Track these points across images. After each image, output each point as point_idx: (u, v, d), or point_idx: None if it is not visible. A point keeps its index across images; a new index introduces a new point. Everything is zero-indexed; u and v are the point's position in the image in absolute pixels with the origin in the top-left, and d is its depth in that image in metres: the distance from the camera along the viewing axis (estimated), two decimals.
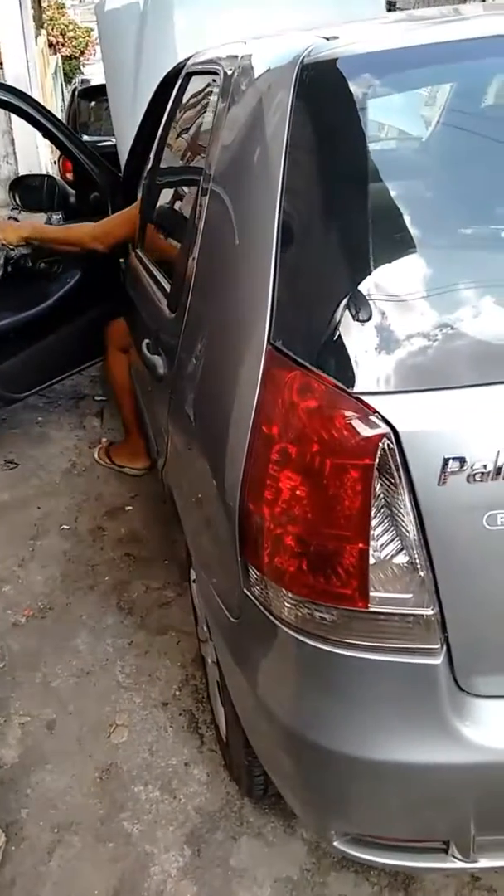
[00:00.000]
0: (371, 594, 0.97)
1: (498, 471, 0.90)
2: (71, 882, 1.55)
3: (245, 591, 1.13)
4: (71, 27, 16.85)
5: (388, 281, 1.02)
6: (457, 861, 1.15)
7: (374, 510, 0.95)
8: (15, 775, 1.77)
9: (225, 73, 1.52)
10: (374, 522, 0.95)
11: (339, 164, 1.11)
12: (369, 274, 1.02)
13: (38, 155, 8.10)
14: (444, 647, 0.98)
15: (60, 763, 1.80)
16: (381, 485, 0.94)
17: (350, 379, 0.96)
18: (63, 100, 12.51)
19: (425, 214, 1.11)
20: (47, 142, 3.36)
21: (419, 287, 1.02)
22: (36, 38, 9.97)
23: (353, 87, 1.11)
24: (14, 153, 7.99)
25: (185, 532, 1.60)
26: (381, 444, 0.92)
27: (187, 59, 2.04)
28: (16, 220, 3.23)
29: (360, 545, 0.95)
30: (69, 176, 4.02)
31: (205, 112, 1.67)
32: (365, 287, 1.01)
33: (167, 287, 1.74)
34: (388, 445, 0.92)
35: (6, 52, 7.62)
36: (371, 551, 0.96)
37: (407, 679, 1.00)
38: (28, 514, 2.77)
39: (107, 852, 1.60)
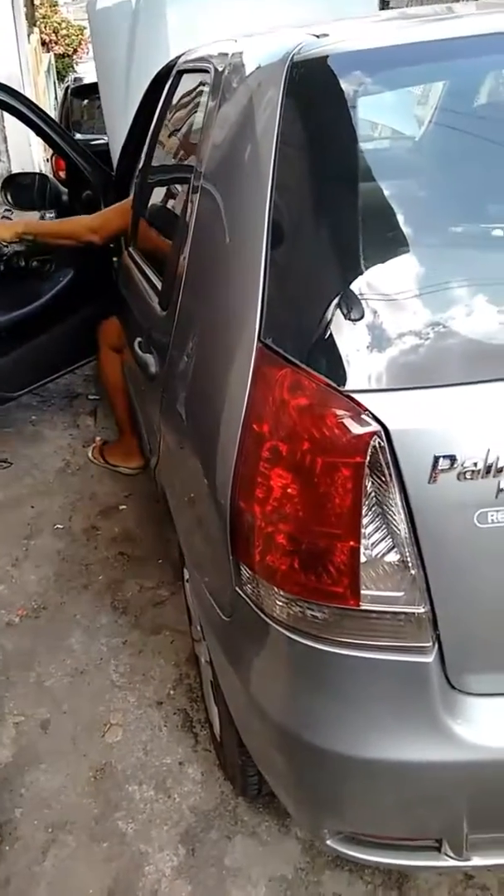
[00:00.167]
0: (362, 592, 0.97)
1: (488, 469, 0.90)
2: (65, 882, 1.55)
3: (237, 589, 1.12)
4: (64, 25, 16.81)
5: (378, 279, 1.02)
6: (450, 859, 1.15)
7: (365, 508, 0.95)
8: (9, 775, 1.76)
9: (215, 70, 1.51)
10: (365, 521, 0.95)
11: (329, 162, 1.10)
12: (360, 272, 1.02)
13: (30, 153, 8.08)
14: (436, 645, 0.98)
15: (55, 762, 1.79)
16: (372, 483, 0.94)
17: (341, 377, 0.96)
18: (56, 98, 12.48)
19: (415, 212, 1.10)
20: (40, 140, 3.35)
21: (409, 285, 1.02)
22: (28, 36, 9.94)
23: (342, 85, 1.11)
24: (7, 151, 7.97)
25: (177, 531, 1.60)
26: (371, 442, 0.92)
27: (178, 57, 2.03)
28: (8, 219, 3.23)
29: (352, 543, 0.95)
30: (62, 174, 4.01)
31: (196, 110, 1.66)
32: (355, 285, 1.01)
33: (158, 285, 1.74)
34: (379, 443, 0.92)
35: None
36: (362, 549, 0.96)
37: (399, 677, 1.00)
38: (22, 514, 2.76)
39: (101, 852, 1.60)
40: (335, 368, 0.97)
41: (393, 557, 0.96)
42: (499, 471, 0.90)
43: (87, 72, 7.82)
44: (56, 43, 16.41)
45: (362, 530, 0.95)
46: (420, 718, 1.00)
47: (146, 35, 3.39)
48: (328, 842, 1.21)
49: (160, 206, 2.02)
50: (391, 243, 1.06)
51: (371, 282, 1.01)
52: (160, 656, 2.09)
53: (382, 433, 0.92)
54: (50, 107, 11.62)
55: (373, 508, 0.95)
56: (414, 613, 0.97)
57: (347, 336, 0.98)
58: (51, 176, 3.74)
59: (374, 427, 0.92)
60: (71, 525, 2.69)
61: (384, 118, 1.27)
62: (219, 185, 1.33)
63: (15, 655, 2.11)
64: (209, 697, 1.70)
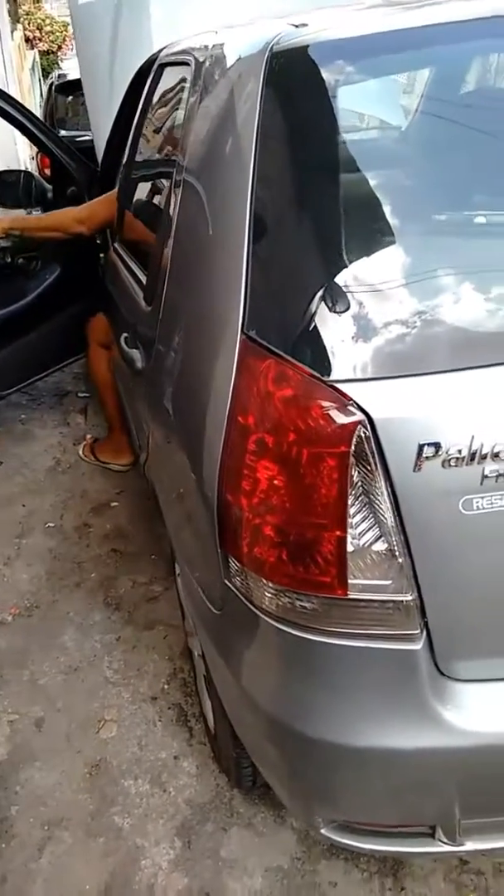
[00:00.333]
0: (350, 582, 0.97)
1: (472, 455, 0.90)
2: (62, 878, 1.55)
3: (226, 582, 1.13)
4: (48, 21, 16.69)
5: (360, 269, 1.02)
6: (443, 845, 1.16)
7: (351, 498, 0.95)
8: (4, 773, 1.76)
9: (196, 63, 1.51)
10: (351, 510, 0.95)
11: (310, 152, 1.10)
12: (342, 262, 1.02)
13: (16, 151, 8.04)
14: (424, 633, 0.99)
15: (49, 760, 1.79)
16: (358, 472, 0.94)
17: (324, 367, 0.96)
18: (41, 95, 12.40)
19: (397, 202, 1.10)
20: (27, 139, 3.33)
21: (391, 275, 1.02)
22: (12, 32, 9.87)
23: (322, 74, 1.11)
24: None
25: (167, 526, 1.60)
26: (356, 432, 0.92)
27: (160, 51, 2.02)
28: None
29: (338, 533, 0.96)
30: (47, 172, 3.99)
31: (178, 103, 1.66)
32: (338, 276, 1.01)
33: (143, 279, 1.73)
34: (364, 433, 0.92)
35: None
36: (349, 539, 0.96)
37: (388, 665, 1.01)
38: (13, 513, 2.75)
39: (97, 847, 1.61)
40: (319, 359, 0.97)
41: (380, 546, 0.96)
42: (483, 457, 0.90)
43: (71, 68, 7.76)
44: (40, 40, 16.30)
45: (349, 520, 0.95)
46: (410, 706, 1.01)
47: (129, 29, 3.36)
48: (322, 831, 1.21)
49: (144, 200, 2.02)
50: (372, 233, 1.05)
51: (353, 272, 1.01)
52: (154, 651, 2.09)
53: (367, 422, 0.92)
54: (35, 104, 11.55)
55: (359, 498, 0.95)
56: (402, 601, 0.97)
57: (330, 326, 0.98)
58: (36, 173, 3.72)
59: (359, 416, 0.92)
60: (62, 523, 2.69)
61: (364, 107, 1.27)
62: (201, 178, 1.32)
63: (8, 654, 2.11)
64: (203, 691, 1.70)
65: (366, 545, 0.97)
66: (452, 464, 0.90)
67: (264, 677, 1.12)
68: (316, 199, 1.08)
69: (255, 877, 1.52)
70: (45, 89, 10.54)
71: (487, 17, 1.16)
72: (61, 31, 16.53)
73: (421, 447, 0.91)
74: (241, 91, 1.20)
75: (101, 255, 2.77)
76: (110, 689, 1.98)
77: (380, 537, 0.96)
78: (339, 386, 0.94)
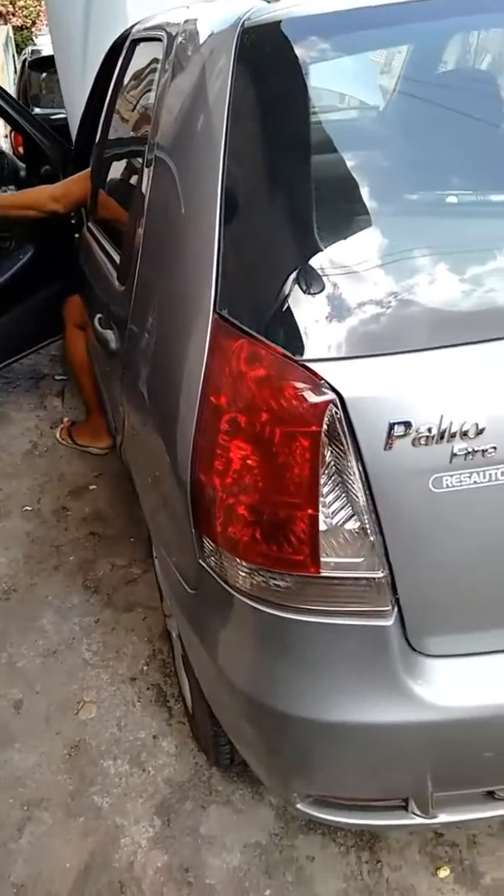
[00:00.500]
0: (323, 560, 0.98)
1: (442, 434, 0.90)
2: (42, 857, 1.57)
3: (201, 562, 1.13)
4: None
5: (332, 249, 1.02)
6: (417, 818, 1.18)
7: (324, 477, 0.95)
8: None
9: (168, 39, 1.49)
10: (324, 490, 0.96)
11: (282, 130, 1.09)
12: (314, 242, 1.01)
13: None
14: (396, 609, 1.00)
15: (28, 741, 1.80)
16: (330, 451, 0.94)
17: (296, 346, 0.96)
18: (15, 72, 12.14)
19: (369, 181, 1.10)
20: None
21: (363, 255, 1.02)
22: None
23: (294, 50, 1.10)
24: None
25: (143, 508, 1.60)
26: (327, 411, 0.92)
27: (133, 26, 1.99)
28: None
29: (311, 512, 0.96)
30: (21, 150, 3.91)
31: (150, 80, 1.63)
32: (309, 255, 1.00)
33: (117, 259, 1.72)
34: (335, 412, 0.92)
35: None
36: (321, 517, 0.96)
37: (360, 641, 1.02)
38: None
39: (77, 827, 1.62)
40: (291, 338, 0.97)
41: (352, 525, 0.97)
42: (452, 436, 0.91)
43: (46, 44, 7.57)
44: (13, 15, 15.94)
45: (321, 499, 0.96)
46: (382, 681, 1.02)
47: (103, 4, 3.30)
48: (298, 805, 1.23)
49: (117, 178, 1.99)
50: (344, 213, 1.05)
51: (325, 252, 1.01)
52: (133, 633, 2.10)
53: (338, 402, 0.92)
54: (9, 82, 11.30)
55: (332, 477, 0.96)
56: (374, 578, 0.98)
57: (302, 306, 0.98)
58: (9, 152, 3.65)
59: (330, 396, 0.92)
60: (40, 507, 2.68)
61: (336, 83, 1.26)
62: (173, 156, 1.31)
63: None
64: (181, 671, 1.71)
65: (338, 524, 0.97)
66: (422, 442, 0.91)
67: (239, 656, 1.13)
68: (288, 177, 1.07)
69: (234, 853, 1.54)
70: (18, 66, 10.31)
71: None
72: (35, 6, 16.16)
73: (391, 426, 0.91)
74: (213, 67, 1.18)
75: (76, 234, 2.73)
76: (89, 671, 1.98)
77: (352, 516, 0.97)
78: (310, 365, 0.94)
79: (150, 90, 1.59)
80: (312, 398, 0.92)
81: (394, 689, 1.02)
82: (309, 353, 0.95)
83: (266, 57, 1.14)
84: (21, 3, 16.09)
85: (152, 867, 1.53)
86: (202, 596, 1.18)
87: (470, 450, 0.91)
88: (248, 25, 1.13)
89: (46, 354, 3.72)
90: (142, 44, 1.82)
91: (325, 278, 0.99)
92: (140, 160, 1.54)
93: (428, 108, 1.23)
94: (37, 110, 5.67)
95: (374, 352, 0.94)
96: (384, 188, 1.11)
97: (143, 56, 1.78)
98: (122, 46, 2.03)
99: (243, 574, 1.05)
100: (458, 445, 0.91)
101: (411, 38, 1.26)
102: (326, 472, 0.95)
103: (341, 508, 0.97)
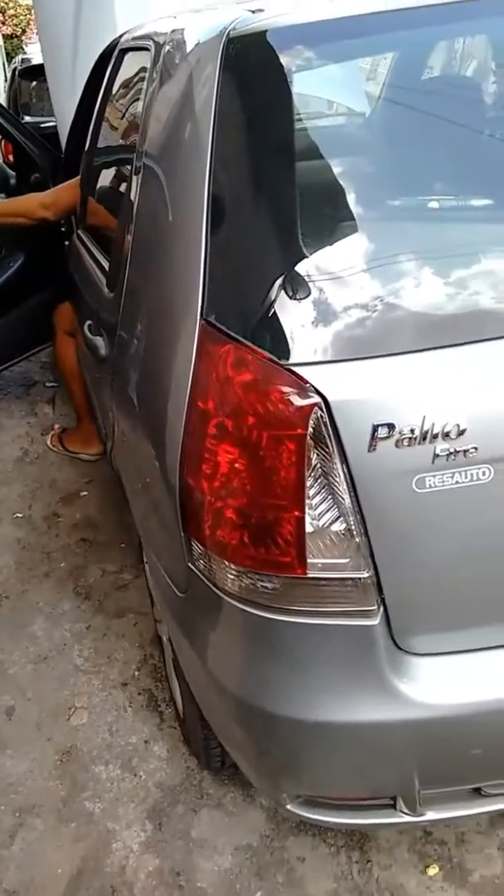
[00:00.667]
0: (309, 561, 0.99)
1: (424, 435, 0.92)
2: (34, 864, 1.57)
3: (189, 565, 1.14)
4: (11, 5, 16.37)
5: (317, 254, 1.03)
6: (405, 816, 1.19)
7: (310, 479, 0.97)
8: None
9: (156, 48, 1.51)
10: (311, 492, 0.97)
11: (267, 137, 1.11)
12: (299, 248, 1.03)
13: None
14: (381, 608, 1.01)
15: (20, 748, 1.80)
16: (316, 454, 0.96)
17: (282, 351, 0.97)
18: (5, 80, 12.16)
19: (352, 187, 1.12)
20: None
21: (347, 260, 1.03)
22: None
23: (276, 60, 1.12)
24: None
25: (133, 513, 1.61)
26: (312, 414, 0.93)
27: (121, 36, 2.01)
28: None
29: (297, 513, 0.97)
30: (11, 158, 3.93)
31: (138, 88, 1.65)
32: (295, 261, 1.02)
33: (106, 266, 1.73)
34: (320, 415, 0.94)
35: None
36: (308, 519, 0.98)
37: (347, 641, 1.03)
38: None
39: (69, 832, 1.62)
40: (276, 343, 0.98)
41: (338, 526, 0.98)
42: (434, 437, 0.92)
43: (36, 53, 7.59)
44: (3, 23, 15.99)
45: (307, 501, 0.97)
46: (368, 680, 1.04)
47: (92, 13, 3.32)
48: (288, 806, 1.24)
49: (106, 186, 2.01)
50: (329, 219, 1.07)
51: (310, 257, 1.03)
52: (124, 639, 2.10)
53: (323, 405, 0.93)
54: (0, 90, 11.33)
55: (318, 480, 0.97)
56: (359, 578, 1.00)
57: (287, 311, 0.99)
58: None
59: (315, 399, 0.93)
60: (31, 513, 2.68)
61: (318, 91, 1.28)
62: (161, 164, 1.32)
63: None
64: (172, 675, 1.72)
65: (324, 525, 0.99)
66: (405, 444, 0.92)
67: (228, 657, 1.14)
68: (273, 184, 1.09)
69: (226, 855, 1.55)
70: (8, 74, 10.34)
71: (446, 3, 1.18)
72: (25, 15, 16.22)
73: (375, 428, 0.92)
74: (199, 76, 1.20)
75: (66, 242, 2.74)
76: (80, 677, 1.98)
77: (338, 517, 0.98)
78: (296, 369, 0.95)
79: (138, 99, 1.61)
80: (298, 402, 0.94)
81: (380, 687, 1.03)
82: (294, 358, 0.96)
83: (251, 66, 1.16)
84: (11, 12, 16.15)
85: (144, 871, 1.53)
86: (191, 599, 1.19)
87: (452, 450, 0.93)
88: (234, 35, 1.15)
89: (37, 362, 3.73)
90: (130, 53, 1.83)
91: (309, 284, 1.01)
92: (128, 168, 1.55)
93: (412, 114, 1.25)
94: (27, 118, 5.69)
95: (357, 355, 0.96)
96: (367, 194, 1.13)
97: (131, 65, 1.80)
98: (111, 55, 2.05)
99: (231, 576, 1.06)
100: (441, 446, 0.93)
101: (393, 47, 1.28)
102: (312, 474, 0.97)
103: (327, 510, 0.98)
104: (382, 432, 0.92)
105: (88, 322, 1.73)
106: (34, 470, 2.94)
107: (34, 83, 6.40)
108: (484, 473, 0.95)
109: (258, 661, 1.09)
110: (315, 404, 0.93)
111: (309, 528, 0.98)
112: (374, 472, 0.95)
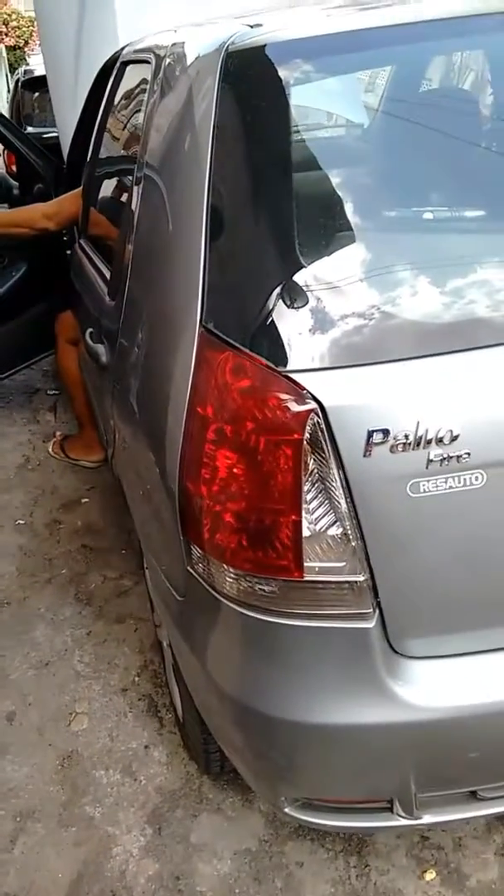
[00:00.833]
0: (306, 564, 1.01)
1: (418, 441, 0.94)
2: (34, 868, 1.57)
3: (189, 569, 1.16)
4: (14, 17, 16.53)
5: (313, 263, 1.05)
6: (402, 819, 1.20)
7: (307, 484, 0.98)
8: None
9: (157, 61, 1.53)
10: (308, 497, 0.99)
11: (264, 149, 1.13)
12: (296, 257, 1.05)
13: None
14: (377, 612, 1.03)
15: (21, 753, 1.81)
16: (312, 459, 0.97)
17: (279, 358, 0.99)
18: (8, 91, 12.26)
19: (348, 198, 1.14)
20: None
21: (343, 269, 1.05)
22: None
23: (275, 73, 1.14)
24: None
25: (133, 518, 1.62)
26: (309, 420, 0.95)
27: (123, 48, 2.04)
28: None
29: (294, 518, 0.99)
30: (14, 169, 3.97)
31: (139, 100, 1.68)
32: (291, 270, 1.04)
33: (107, 275, 1.75)
34: (317, 420, 0.95)
35: None
36: (305, 523, 0.99)
37: (343, 644, 1.04)
38: None
39: (70, 836, 1.63)
40: (274, 350, 1.00)
41: (334, 530, 1.00)
42: (428, 442, 0.94)
43: (39, 64, 7.64)
44: (6, 35, 16.14)
45: (304, 505, 0.99)
46: (364, 682, 1.05)
47: (94, 25, 3.36)
48: (286, 809, 1.25)
49: (108, 196, 2.04)
50: (325, 229, 1.09)
51: (307, 267, 1.05)
52: (124, 644, 2.11)
53: (319, 410, 0.95)
54: (2, 101, 11.42)
55: (315, 485, 0.99)
56: (355, 582, 1.01)
57: (284, 319, 1.01)
58: (2, 171, 3.70)
59: (312, 405, 0.95)
60: (32, 520, 2.69)
61: (315, 103, 1.31)
62: (161, 174, 1.35)
63: None
64: (171, 680, 1.73)
65: (321, 529, 1.00)
66: (400, 449, 0.94)
67: (227, 660, 1.15)
68: (270, 194, 1.11)
69: (224, 859, 1.55)
70: (11, 85, 10.42)
71: (441, 18, 1.20)
72: (28, 27, 16.37)
73: (370, 433, 0.94)
74: (199, 89, 1.22)
75: (69, 251, 2.77)
76: (81, 683, 1.99)
77: (334, 521, 1.00)
78: (293, 376, 0.97)
79: (139, 110, 1.64)
80: (295, 407, 0.96)
81: (376, 690, 1.05)
82: (291, 364, 0.98)
83: (249, 79, 1.18)
84: (14, 24, 16.30)
85: (144, 875, 1.54)
86: (191, 602, 1.21)
87: (445, 456, 0.94)
88: (233, 49, 1.17)
89: (39, 370, 3.75)
90: (131, 65, 1.87)
91: (306, 292, 1.03)
92: (129, 178, 1.58)
93: (408, 127, 1.27)
94: (29, 129, 5.73)
95: (353, 362, 0.98)
96: (362, 205, 1.15)
97: (132, 77, 1.83)
98: (113, 67, 2.08)
99: (230, 580, 1.07)
100: (434, 451, 0.94)
101: (388, 62, 1.31)
102: (309, 479, 0.98)
103: (324, 514, 1.00)
104: (377, 438, 0.94)
105: (90, 330, 1.75)
106: (36, 477, 2.96)
107: (37, 94, 6.46)
108: (477, 478, 0.96)
109: (256, 664, 1.10)
110: (311, 410, 0.95)
111: (306, 532, 1.00)
112: (370, 476, 0.97)
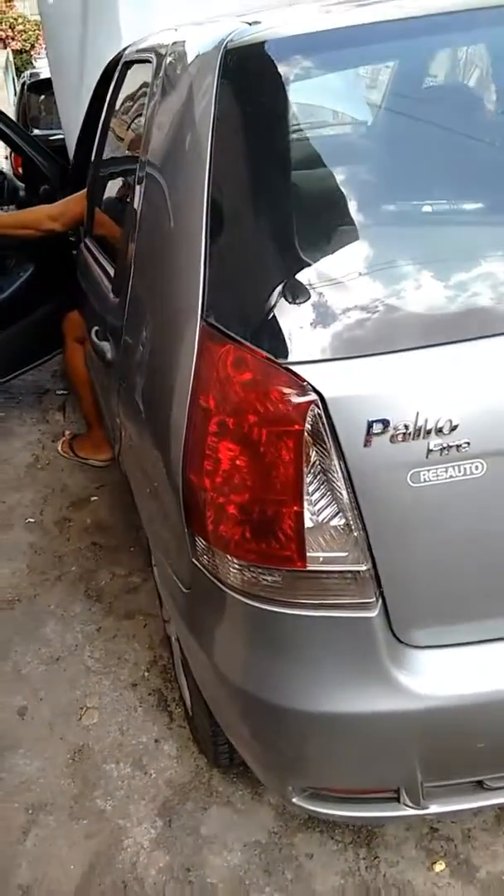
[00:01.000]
0: (309, 554, 1.02)
1: (418, 431, 0.94)
2: (46, 860, 1.59)
3: (193, 561, 1.17)
4: (20, 21, 16.63)
5: (312, 258, 1.06)
6: (409, 808, 1.20)
7: (309, 475, 0.99)
8: None
9: (158, 60, 1.54)
10: (310, 487, 1.00)
11: (263, 145, 1.14)
12: (295, 251, 1.06)
13: None
14: (380, 601, 1.03)
15: (33, 747, 1.83)
16: (314, 450, 0.98)
17: (280, 350, 1.00)
18: (14, 94, 12.34)
19: (346, 192, 1.14)
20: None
21: (341, 262, 1.06)
22: None
23: (273, 70, 1.15)
24: None
25: (140, 514, 1.64)
26: (310, 411, 0.96)
27: (125, 49, 2.05)
28: None
29: (296, 508, 1.00)
30: (21, 171, 4.00)
31: (141, 100, 1.69)
32: (290, 264, 1.05)
33: (112, 272, 1.77)
34: (317, 412, 0.96)
35: None
36: (307, 514, 1.00)
37: (347, 633, 1.05)
38: None
39: (81, 829, 1.64)
40: (274, 342, 1.01)
41: (336, 520, 1.01)
42: (427, 432, 0.94)
43: (44, 67, 7.69)
44: (13, 39, 16.23)
45: (306, 496, 1.00)
46: (369, 671, 1.06)
47: (98, 27, 3.38)
48: (294, 800, 1.26)
49: (112, 196, 2.05)
50: (323, 223, 1.10)
51: (306, 261, 1.06)
52: (134, 640, 2.13)
53: (319, 402, 0.96)
54: (9, 104, 11.49)
55: (317, 476, 1.00)
56: (358, 571, 1.02)
57: (284, 312, 1.02)
58: (9, 172, 3.73)
59: (312, 396, 0.96)
60: (42, 518, 2.72)
61: (313, 99, 1.31)
62: (162, 172, 1.36)
63: None
64: (180, 674, 1.74)
65: (323, 520, 1.01)
66: (399, 439, 0.95)
67: (232, 651, 1.16)
68: (270, 190, 1.12)
69: (234, 851, 1.57)
70: (18, 88, 10.48)
71: (439, 13, 1.21)
72: (34, 31, 16.46)
73: (370, 424, 0.95)
74: (198, 88, 1.23)
75: (75, 251, 2.79)
76: (91, 678, 2.01)
77: (336, 512, 1.01)
78: (293, 368, 0.98)
79: (141, 110, 1.65)
80: (296, 399, 0.97)
81: (381, 679, 1.05)
82: (292, 357, 0.99)
83: (248, 75, 1.19)
84: (20, 28, 16.38)
85: (155, 867, 1.55)
86: (196, 594, 1.22)
87: (445, 445, 0.95)
88: (231, 46, 1.18)
89: (48, 370, 3.78)
90: (133, 65, 1.88)
91: (305, 285, 1.03)
92: (132, 177, 1.59)
93: (406, 122, 1.28)
94: (36, 131, 5.78)
95: (352, 354, 0.99)
96: (361, 200, 1.15)
97: (134, 77, 1.85)
98: (116, 68, 2.09)
99: (234, 570, 1.08)
100: (434, 441, 0.95)
101: (387, 57, 1.31)
102: (311, 470, 0.99)
103: (326, 505, 1.01)
104: (377, 428, 0.95)
105: (96, 328, 1.77)
106: (46, 475, 2.99)
107: (42, 97, 6.51)
108: (477, 467, 0.97)
109: (261, 654, 1.11)
110: (312, 401, 0.96)
111: (308, 523, 1.01)
112: (370, 467, 0.97)
